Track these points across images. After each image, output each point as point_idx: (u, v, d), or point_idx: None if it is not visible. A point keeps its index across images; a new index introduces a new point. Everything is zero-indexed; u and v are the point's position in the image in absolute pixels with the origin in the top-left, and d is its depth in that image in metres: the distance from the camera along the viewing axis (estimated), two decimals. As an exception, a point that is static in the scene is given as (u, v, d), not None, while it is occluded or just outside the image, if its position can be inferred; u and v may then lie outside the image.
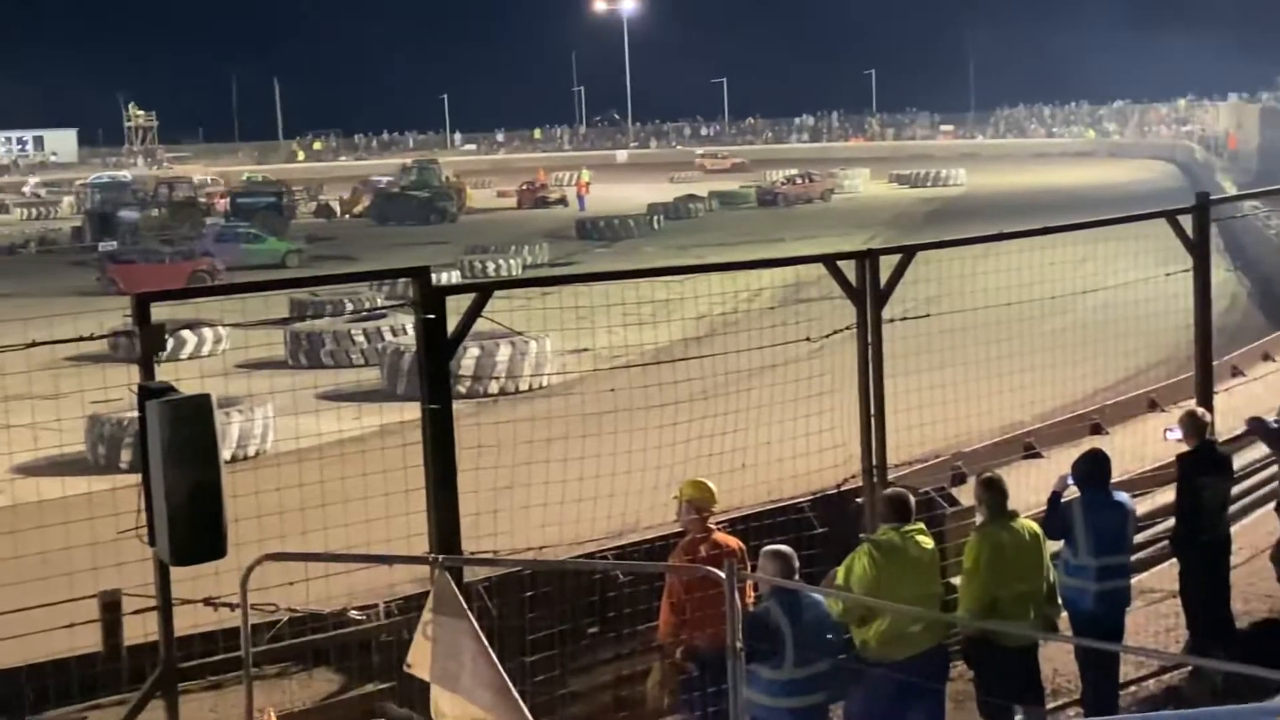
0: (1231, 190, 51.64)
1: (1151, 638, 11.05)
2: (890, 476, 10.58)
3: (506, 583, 9.55)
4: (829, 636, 8.34)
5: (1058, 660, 10.47)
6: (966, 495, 11.37)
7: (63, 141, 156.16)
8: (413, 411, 8.85)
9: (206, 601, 8.35)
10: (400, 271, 8.96)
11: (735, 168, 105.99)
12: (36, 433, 19.11)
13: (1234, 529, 11.74)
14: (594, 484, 10.46)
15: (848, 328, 10.32)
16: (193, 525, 6.56)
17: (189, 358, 30.53)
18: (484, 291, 8.85)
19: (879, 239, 52.32)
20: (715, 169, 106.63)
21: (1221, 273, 35.45)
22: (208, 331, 32.27)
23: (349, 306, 36.63)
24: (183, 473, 6.52)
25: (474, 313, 8.74)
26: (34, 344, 8.46)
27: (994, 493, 9.30)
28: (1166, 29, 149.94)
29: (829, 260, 10.33)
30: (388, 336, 31.93)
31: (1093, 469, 9.91)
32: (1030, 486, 11.54)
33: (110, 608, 8.98)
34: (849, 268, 10.36)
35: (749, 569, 8.90)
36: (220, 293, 9.48)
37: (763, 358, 11.82)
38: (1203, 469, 10.71)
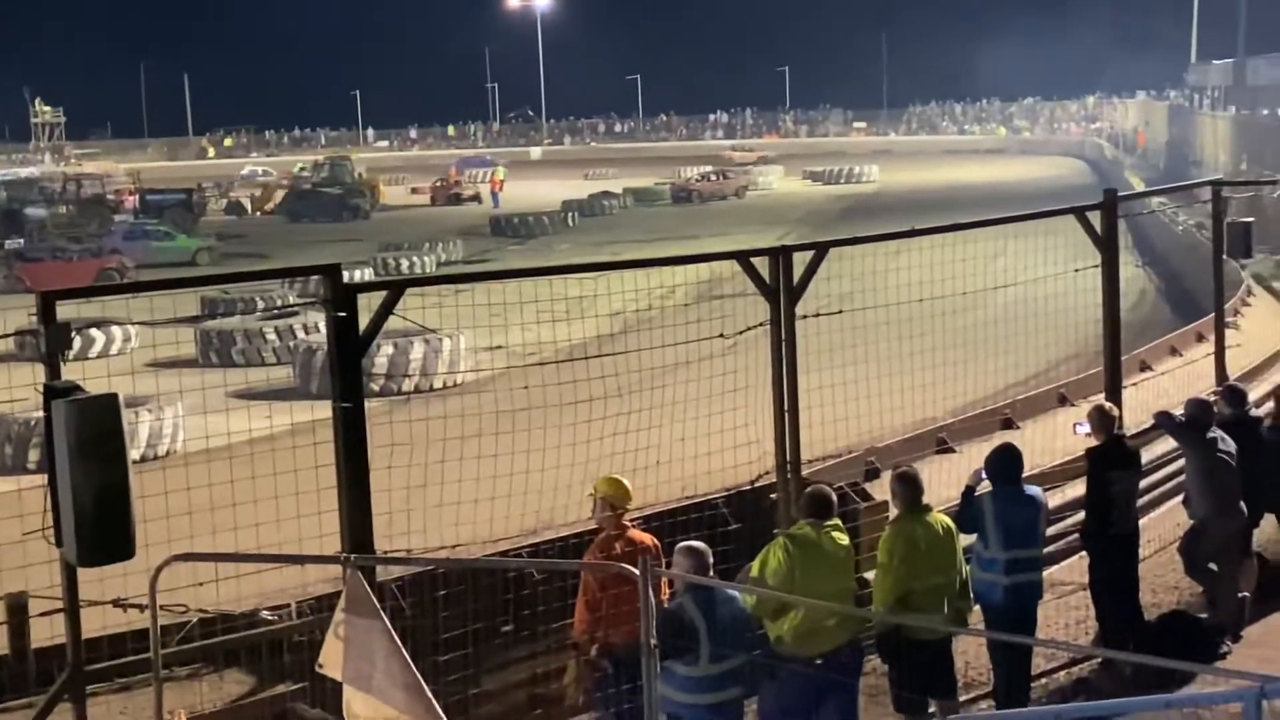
0: (1140, 187, 52.38)
1: (1062, 630, 11.18)
2: (804, 472, 10.63)
3: (419, 582, 9.50)
4: (744, 632, 8.35)
5: (970, 653, 10.57)
6: (880, 490, 11.46)
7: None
8: (325, 410, 8.76)
9: (115, 603, 8.23)
10: (311, 269, 8.87)
11: (761, 160, 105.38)
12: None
13: (1143, 522, 11.88)
14: (508, 482, 10.42)
15: (761, 324, 10.35)
16: (100, 526, 6.47)
17: (97, 356, 30.10)
18: (396, 289, 8.79)
19: (793, 236, 52.60)
20: (744, 161, 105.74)
21: (1130, 269, 35.94)
22: (116, 330, 31.82)
23: (260, 304, 36.31)
24: (90, 473, 6.42)
25: (386, 310, 8.68)
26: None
27: (909, 487, 9.38)
28: (1076, 27, 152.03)
29: (742, 257, 10.36)
30: (300, 334, 31.66)
31: (1004, 463, 10.01)
32: (943, 481, 11.64)
33: (16, 610, 8.83)
34: (763, 265, 10.39)
35: (664, 565, 8.91)
36: (128, 290, 9.30)
37: (677, 355, 11.82)
38: (1111, 463, 10.84)
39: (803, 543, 8.77)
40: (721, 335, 10.78)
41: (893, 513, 9.73)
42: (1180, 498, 12.29)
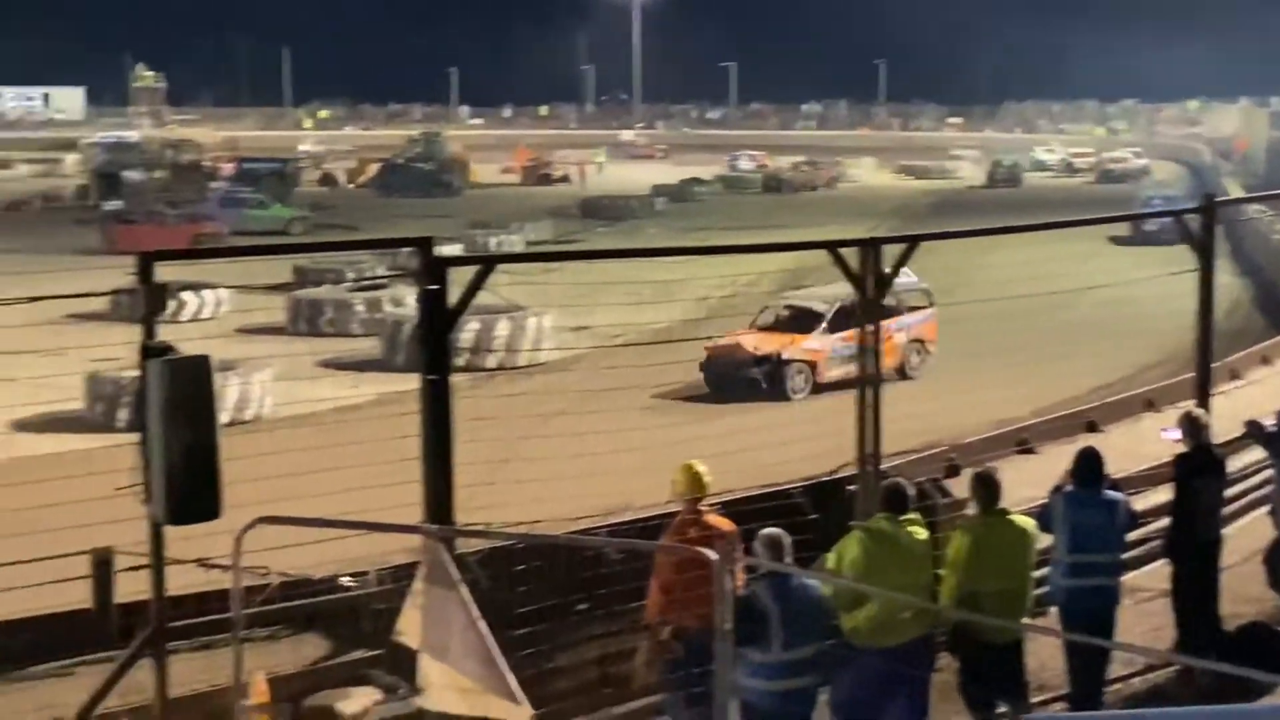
0: (1238, 194, 51.56)
1: (1139, 636, 11.07)
2: (884, 466, 10.58)
3: (498, 556, 9.56)
4: (818, 621, 8.36)
5: (1045, 654, 10.49)
6: (960, 487, 11.40)
7: (70, 99, 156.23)
8: (410, 382, 8.84)
9: (199, 562, 8.34)
10: (405, 241, 8.97)
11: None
12: (36, 389, 19.14)
13: (1227, 531, 11.74)
14: (590, 461, 10.47)
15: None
16: (188, 485, 6.57)
17: (190, 320, 30.53)
18: (487, 265, 8.85)
19: (882, 228, 52.28)
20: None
21: (1225, 276, 35.43)
22: (209, 294, 32.24)
23: (351, 275, 36.62)
24: (180, 432, 6.53)
25: (476, 285, 8.73)
26: (39, 298, 8.46)
27: (985, 488, 9.32)
28: (1180, 31, 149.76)
29: (832, 247, 10.33)
30: (388, 307, 31.92)
31: (1083, 466, 9.92)
32: (1023, 481, 11.55)
33: (101, 565, 8.99)
34: (851, 256, 10.34)
35: (741, 552, 8.91)
36: (226, 255, 9.46)
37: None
38: (1198, 471, 10.72)
39: (879, 536, 8.77)
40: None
41: (970, 512, 9.68)
42: (1266, 508, 12.13)
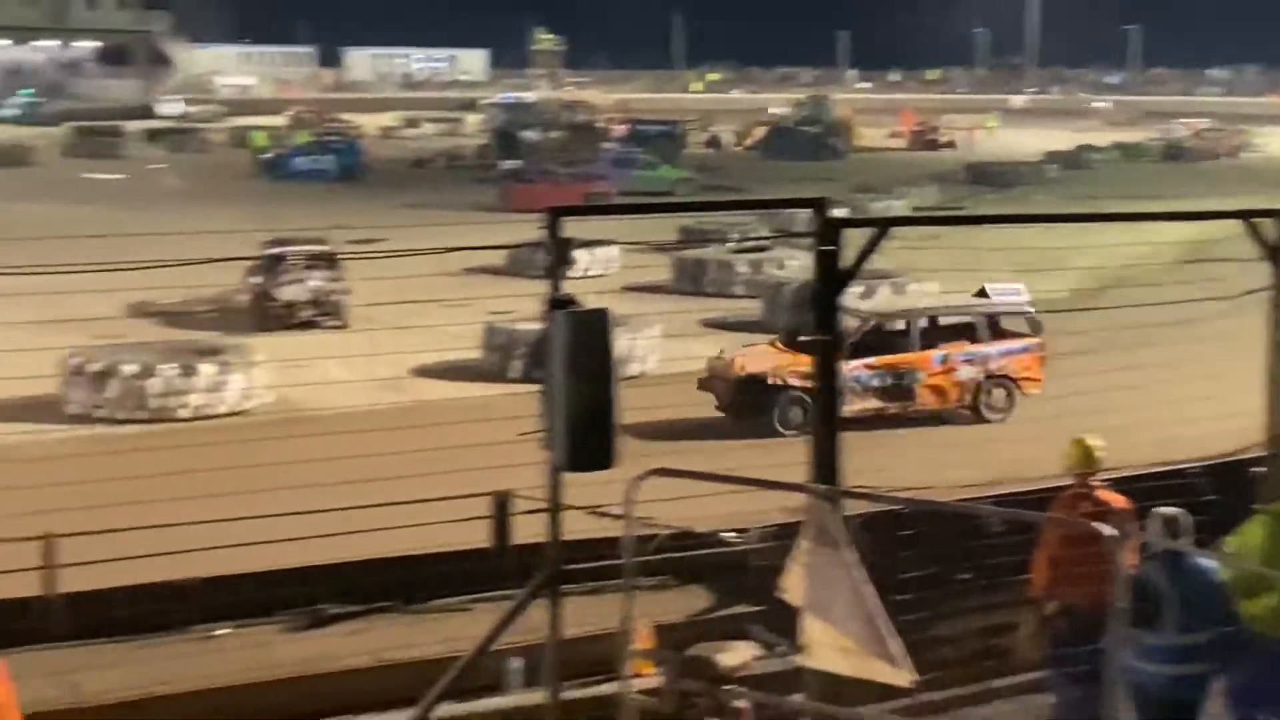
0: None
1: None
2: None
3: (880, 520, 9.52)
4: (1215, 605, 8.03)
5: None
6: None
7: (474, 61, 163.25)
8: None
9: (594, 509, 8.58)
10: (799, 202, 9.00)
11: None
12: (438, 337, 20.14)
13: None
14: (974, 430, 10.32)
15: (1263, 288, 9.80)
16: (587, 434, 6.77)
17: (581, 276, 31.43)
18: (881, 227, 8.77)
19: (1290, 201, 49.46)
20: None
21: None
22: (600, 251, 33.05)
23: (734, 236, 36.97)
24: (581, 383, 6.73)
25: (870, 247, 8.67)
26: (453, 249, 8.87)
27: None
28: None
29: (1246, 216, 9.82)
30: (770, 269, 32.11)
31: None
32: None
33: (501, 507, 9.38)
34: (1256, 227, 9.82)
35: (1135, 529, 8.64)
36: (626, 211, 9.73)
37: (1160, 314, 11.40)
38: None
39: (1285, 521, 8.35)
40: (1216, 298, 10.30)
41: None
42: None
